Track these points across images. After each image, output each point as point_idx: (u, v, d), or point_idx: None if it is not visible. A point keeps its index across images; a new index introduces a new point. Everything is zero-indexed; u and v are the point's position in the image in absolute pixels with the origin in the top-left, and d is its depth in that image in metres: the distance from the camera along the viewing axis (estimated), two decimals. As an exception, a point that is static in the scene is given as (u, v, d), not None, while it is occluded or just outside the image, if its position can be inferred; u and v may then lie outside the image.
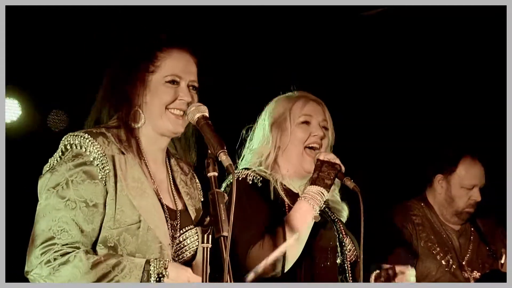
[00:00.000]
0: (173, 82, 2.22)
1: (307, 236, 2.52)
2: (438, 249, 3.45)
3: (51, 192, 2.08)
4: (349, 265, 2.63)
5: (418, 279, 3.29)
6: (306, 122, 2.68)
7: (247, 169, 2.64)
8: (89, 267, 2.01)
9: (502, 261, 2.96)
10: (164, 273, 2.04)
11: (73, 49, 4.30)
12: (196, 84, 2.27)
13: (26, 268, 2.05)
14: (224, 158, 2.04)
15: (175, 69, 2.23)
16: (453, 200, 3.51)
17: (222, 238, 1.94)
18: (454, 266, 3.40)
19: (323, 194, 2.55)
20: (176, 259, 2.20)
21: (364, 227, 2.46)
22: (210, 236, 2.00)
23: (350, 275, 2.62)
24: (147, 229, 2.10)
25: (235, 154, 2.79)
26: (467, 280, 3.23)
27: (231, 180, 2.44)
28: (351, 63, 4.52)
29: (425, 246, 3.45)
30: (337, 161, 2.59)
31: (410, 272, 2.60)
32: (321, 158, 2.59)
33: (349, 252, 2.67)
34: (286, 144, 2.66)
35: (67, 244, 2.03)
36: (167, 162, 2.32)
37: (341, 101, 4.31)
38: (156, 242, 2.11)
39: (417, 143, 4.32)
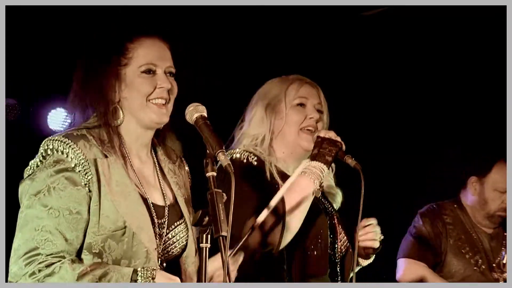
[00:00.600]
0: (149, 71, 2.16)
1: (307, 210, 2.49)
2: (467, 248, 3.48)
3: (33, 199, 2.03)
4: (339, 256, 2.61)
5: (447, 275, 3.45)
6: (302, 105, 2.65)
7: (240, 149, 2.62)
8: (75, 278, 1.96)
9: (504, 261, 2.91)
10: (152, 282, 2.00)
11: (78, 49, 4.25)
12: (173, 70, 2.21)
13: (9, 279, 2.02)
14: (223, 158, 2.02)
15: (148, 57, 2.16)
16: (486, 202, 3.53)
17: (221, 238, 1.93)
18: (483, 267, 3.42)
19: (323, 170, 2.50)
20: (166, 255, 2.17)
21: (363, 207, 2.42)
22: (209, 236, 1.99)
23: (339, 266, 2.60)
24: (132, 235, 2.06)
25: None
26: (496, 280, 3.21)
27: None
28: (353, 63, 4.48)
29: (454, 245, 3.48)
30: (338, 139, 2.56)
31: (368, 223, 2.58)
32: (322, 135, 2.56)
33: (340, 242, 2.64)
34: (281, 126, 2.63)
35: (51, 254, 1.98)
36: (153, 154, 2.26)
37: (355, 100, 4.29)
38: (142, 248, 2.07)
39: (454, 145, 4.39)
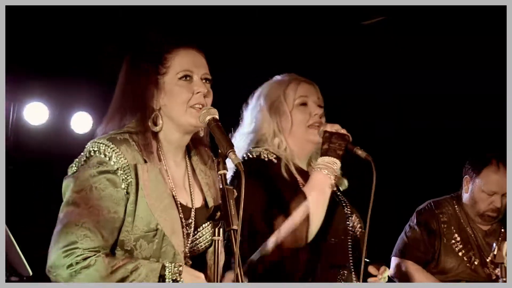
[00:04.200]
0: (185, 77, 2.18)
1: (327, 203, 2.50)
2: (461, 246, 3.46)
3: (75, 196, 2.06)
4: (357, 239, 2.60)
5: (441, 272, 3.42)
6: (304, 104, 2.63)
7: (257, 147, 2.61)
8: (109, 271, 2.00)
9: (495, 253, 2.89)
10: (178, 279, 2.03)
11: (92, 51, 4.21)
12: (208, 76, 2.24)
13: (47, 267, 2.04)
14: (233, 157, 2.03)
15: (185, 65, 2.19)
16: (476, 202, 3.50)
17: (232, 231, 1.95)
18: (475, 263, 3.39)
19: (336, 163, 2.50)
20: (192, 252, 2.20)
21: (375, 205, 2.42)
22: (222, 229, 2.02)
23: (356, 250, 2.59)
24: (162, 237, 2.09)
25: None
26: (489, 276, 3.18)
27: (242, 159, 2.52)
28: (353, 69, 4.47)
29: (448, 243, 3.45)
30: (344, 131, 2.55)
31: (381, 276, 2.55)
32: (329, 129, 2.54)
33: (355, 228, 2.63)
34: (289, 127, 2.63)
35: (88, 248, 2.00)
36: (187, 156, 2.28)
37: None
38: (171, 249, 2.10)
39: (460, 143, 4.37)
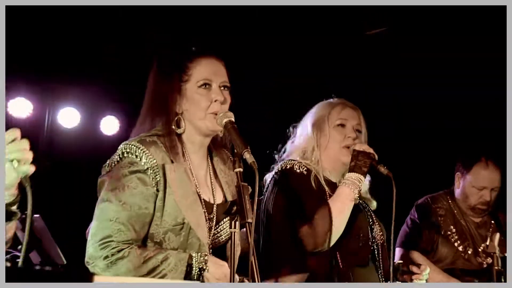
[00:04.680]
0: (205, 85, 2.17)
1: (349, 215, 2.52)
2: (456, 237, 3.43)
3: (109, 194, 2.03)
4: (379, 247, 2.63)
5: (437, 261, 3.40)
6: (342, 125, 2.67)
7: (292, 160, 2.64)
8: (141, 261, 2.00)
9: (487, 243, 2.86)
10: (204, 267, 2.04)
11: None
12: (227, 84, 2.22)
13: (86, 259, 2.04)
14: (248, 156, 2.01)
15: (205, 74, 2.18)
16: (467, 196, 3.47)
17: (247, 224, 1.93)
18: (469, 252, 3.37)
19: (361, 180, 2.54)
20: (213, 244, 2.18)
21: (396, 210, 2.44)
22: (237, 222, 1.99)
23: (380, 255, 2.61)
24: (189, 230, 2.08)
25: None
26: (480, 264, 3.16)
27: (277, 169, 2.58)
28: (357, 77, 4.38)
29: (444, 234, 3.43)
30: (371, 150, 2.57)
31: (424, 273, 2.60)
32: (357, 148, 2.58)
33: (377, 236, 2.65)
34: (326, 143, 2.65)
35: (122, 241, 2.00)
36: (209, 156, 2.27)
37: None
38: (196, 241, 2.10)
39: (455, 143, 4.20)
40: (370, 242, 2.59)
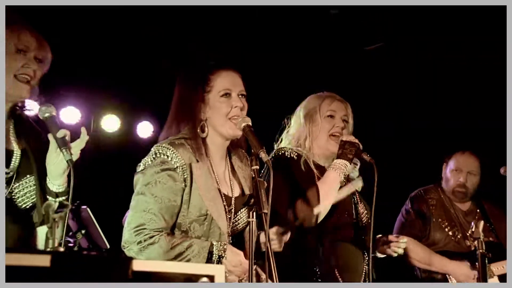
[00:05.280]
0: (226, 95, 2.19)
1: (335, 196, 2.53)
2: (446, 223, 3.41)
3: (144, 188, 2.05)
4: (362, 224, 2.63)
5: (430, 245, 3.36)
6: (331, 116, 2.65)
7: (284, 147, 2.66)
8: (170, 247, 2.01)
9: (473, 230, 2.85)
10: (223, 255, 2.05)
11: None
12: (244, 93, 2.23)
13: (122, 243, 2.07)
14: (263, 155, 2.05)
15: (225, 84, 2.19)
16: (448, 180, 3.48)
17: (263, 214, 1.95)
18: (458, 236, 3.35)
19: (347, 165, 2.53)
20: (232, 232, 2.19)
21: (377, 194, 2.43)
22: (255, 213, 1.99)
23: (365, 231, 2.60)
24: (211, 220, 2.10)
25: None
26: (469, 247, 3.14)
27: (272, 156, 2.56)
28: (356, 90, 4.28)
29: (436, 221, 3.40)
30: (356, 140, 2.57)
31: (401, 241, 2.59)
32: (344, 139, 2.58)
33: (361, 214, 2.66)
34: (317, 132, 2.65)
35: (154, 229, 2.01)
36: (227, 156, 2.28)
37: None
38: (217, 230, 2.11)
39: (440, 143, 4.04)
40: (354, 219, 2.59)
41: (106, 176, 4.45)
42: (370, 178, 2.51)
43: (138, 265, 1.09)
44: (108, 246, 3.44)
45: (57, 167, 1.91)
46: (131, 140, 4.66)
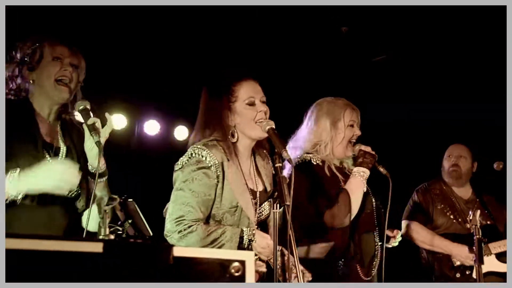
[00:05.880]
0: (250, 102, 2.20)
1: (361, 199, 2.55)
2: (448, 209, 3.46)
3: (182, 185, 2.08)
4: (378, 217, 2.66)
5: (434, 228, 3.44)
6: (352, 126, 2.66)
7: (308, 153, 2.64)
8: (206, 234, 2.03)
9: (470, 218, 2.89)
10: (252, 239, 2.06)
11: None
12: (264, 99, 2.24)
13: (165, 232, 2.09)
14: (285, 154, 2.05)
15: (249, 93, 2.19)
16: (444, 168, 3.57)
17: (286, 206, 1.96)
18: (459, 220, 3.43)
19: (366, 173, 2.56)
20: (258, 220, 2.20)
21: (391, 202, 2.49)
22: (278, 205, 2.00)
23: (381, 224, 2.63)
24: (241, 211, 2.12)
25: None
26: (468, 230, 3.07)
27: (297, 162, 2.56)
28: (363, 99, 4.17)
29: (440, 208, 3.46)
30: (373, 152, 2.60)
31: (396, 237, 2.66)
32: (363, 149, 2.60)
33: (377, 207, 2.68)
34: (339, 139, 2.64)
35: (192, 219, 2.04)
36: (252, 155, 2.29)
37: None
38: (246, 219, 2.12)
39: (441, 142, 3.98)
40: (373, 214, 2.62)
41: (149, 173, 4.49)
42: (384, 191, 2.53)
43: (178, 251, 1.08)
44: (151, 234, 3.45)
45: (92, 151, 1.94)
46: (169, 142, 4.70)
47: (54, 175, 1.79)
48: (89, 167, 1.98)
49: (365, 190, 2.55)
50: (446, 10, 3.45)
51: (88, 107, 1.95)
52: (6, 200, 1.80)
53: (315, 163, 2.57)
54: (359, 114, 2.70)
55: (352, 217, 2.50)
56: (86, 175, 1.98)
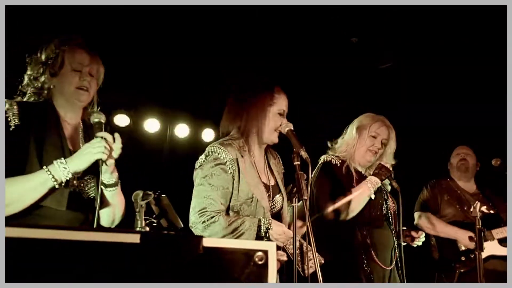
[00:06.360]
0: (281, 113, 2.22)
1: (363, 203, 2.55)
2: (455, 200, 3.53)
3: (202, 180, 2.09)
4: (391, 214, 2.67)
5: (442, 217, 3.53)
6: (374, 137, 2.70)
7: (331, 154, 2.71)
8: (227, 224, 2.02)
9: (471, 209, 2.93)
10: (269, 227, 2.04)
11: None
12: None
13: (190, 224, 2.09)
14: (303, 153, 2.04)
15: (283, 105, 2.23)
16: (452, 165, 3.66)
17: (303, 200, 1.96)
18: (465, 208, 3.49)
19: (378, 183, 2.59)
20: (271, 212, 2.18)
21: (403, 212, 2.51)
22: (296, 199, 2.00)
23: (392, 219, 2.66)
24: (256, 202, 2.10)
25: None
26: (474, 218, 3.11)
27: (320, 161, 2.66)
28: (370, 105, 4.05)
29: (446, 199, 3.54)
30: (390, 168, 2.64)
31: (420, 237, 2.69)
32: (383, 163, 2.65)
33: (390, 206, 2.70)
34: (361, 146, 2.69)
35: (213, 210, 2.03)
36: (265, 154, 2.29)
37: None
38: (261, 210, 2.10)
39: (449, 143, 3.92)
40: (384, 211, 2.62)
41: (180, 171, 4.51)
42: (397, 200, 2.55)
43: (207, 242, 1.06)
44: (182, 226, 3.47)
45: (102, 165, 1.76)
46: (197, 144, 4.72)
47: (91, 148, 1.71)
48: (101, 177, 1.83)
49: (373, 198, 2.57)
50: (446, 10, 3.30)
51: (103, 121, 1.82)
52: (55, 183, 1.70)
53: (334, 163, 2.63)
54: (391, 132, 2.72)
55: (351, 215, 2.50)
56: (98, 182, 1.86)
